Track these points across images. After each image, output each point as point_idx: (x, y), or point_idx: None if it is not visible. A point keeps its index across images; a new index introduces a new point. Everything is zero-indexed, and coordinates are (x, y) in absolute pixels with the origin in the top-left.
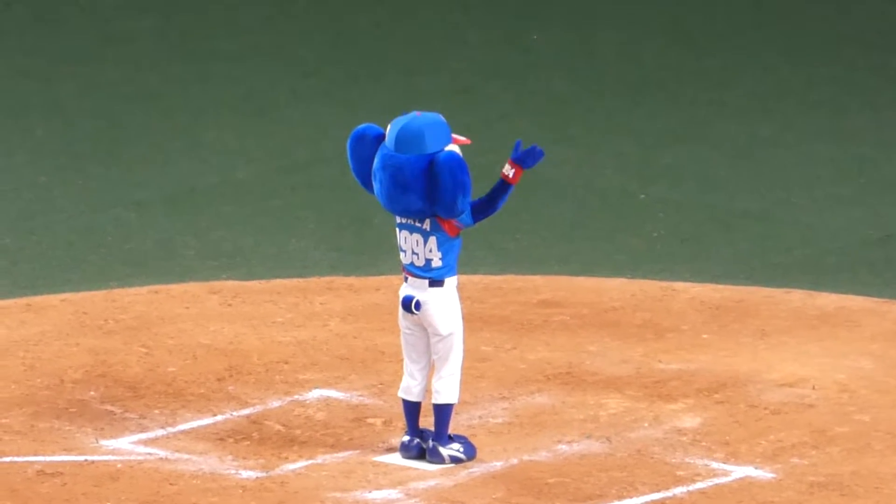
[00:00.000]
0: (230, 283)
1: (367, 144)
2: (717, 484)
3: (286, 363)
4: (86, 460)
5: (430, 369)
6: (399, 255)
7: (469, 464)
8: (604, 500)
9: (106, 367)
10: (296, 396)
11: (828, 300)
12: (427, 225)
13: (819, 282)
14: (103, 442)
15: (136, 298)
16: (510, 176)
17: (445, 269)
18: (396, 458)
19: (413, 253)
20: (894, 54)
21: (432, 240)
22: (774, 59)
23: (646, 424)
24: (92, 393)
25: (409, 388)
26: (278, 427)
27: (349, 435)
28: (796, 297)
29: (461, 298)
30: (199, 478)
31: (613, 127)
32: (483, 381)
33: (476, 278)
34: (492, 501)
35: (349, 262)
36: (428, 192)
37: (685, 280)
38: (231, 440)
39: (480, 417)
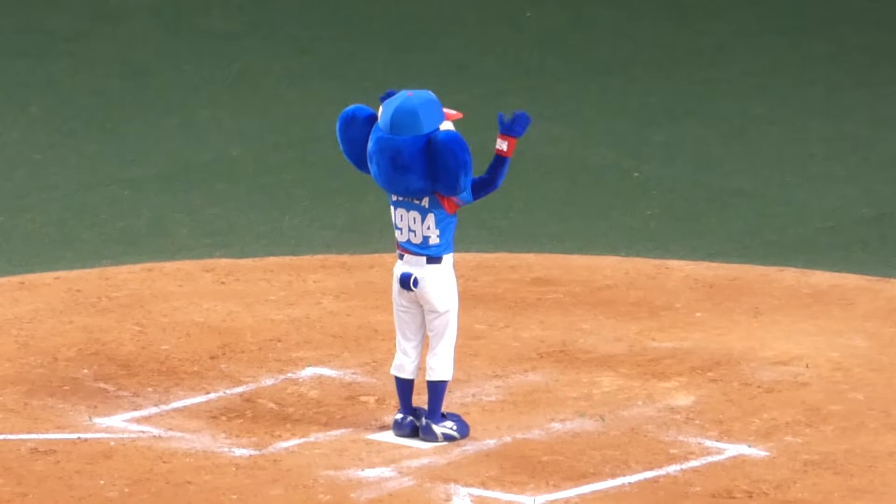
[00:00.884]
0: (223, 260)
1: (358, 126)
2: (710, 462)
3: (279, 341)
4: (79, 438)
5: (423, 347)
6: (395, 233)
7: (462, 442)
8: (597, 478)
9: (99, 345)
10: (289, 374)
11: (822, 278)
12: (426, 202)
13: (813, 260)
14: (96, 420)
15: (130, 276)
16: (504, 149)
17: (443, 245)
18: (389, 436)
19: (410, 230)
20: (888, 32)
21: (430, 217)
22: (769, 37)
23: (639, 402)
24: (85, 371)
25: (402, 365)
26: (271, 405)
27: (342, 413)
28: (790, 276)
29: (455, 276)
30: (193, 456)
31: (607, 105)
32: (476, 359)
33: (469, 256)
34: (485, 479)
35: (343, 239)
36: (428, 171)
37: (679, 258)
38: (224, 418)
39: (474, 395)
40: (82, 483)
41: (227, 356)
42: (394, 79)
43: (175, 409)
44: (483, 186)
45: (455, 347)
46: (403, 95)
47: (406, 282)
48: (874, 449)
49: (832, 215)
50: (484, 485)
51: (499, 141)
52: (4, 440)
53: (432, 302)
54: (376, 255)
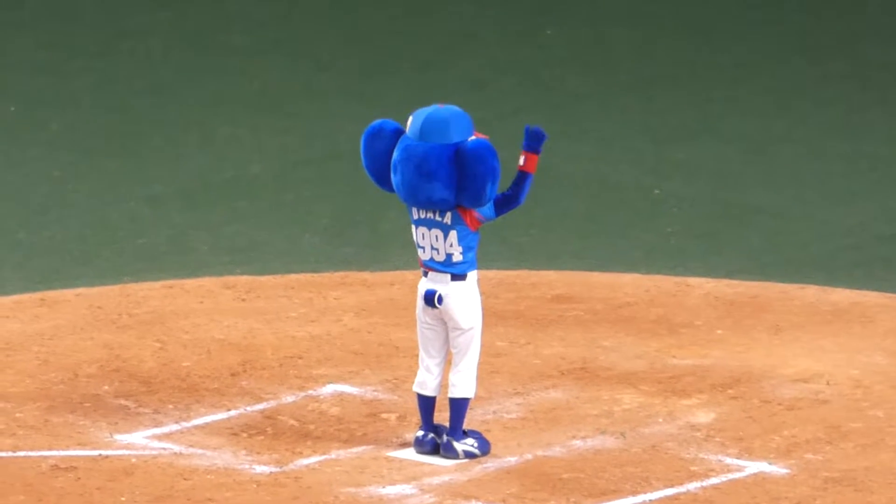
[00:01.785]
0: (244, 277)
1: (384, 139)
2: (730, 479)
3: (300, 358)
4: (100, 455)
5: (445, 364)
6: (417, 252)
7: (483, 459)
8: (618, 496)
9: (120, 362)
10: (310, 391)
11: (842, 296)
12: (448, 219)
13: (833, 277)
14: (117, 436)
15: (150, 293)
16: (522, 164)
17: (467, 263)
18: (410, 454)
19: (433, 248)
20: None
21: (453, 234)
22: (788, 54)
23: (660, 420)
24: (106, 387)
25: (425, 382)
26: (292, 422)
27: (363, 430)
28: (810, 293)
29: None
30: (214, 472)
31: (627, 122)
32: (497, 376)
33: (490, 273)
34: (506, 497)
35: (363, 256)
36: (453, 180)
37: (699, 275)
38: (245, 435)
39: (495, 412)
40: (103, 500)
41: (248, 373)
42: (414, 96)
43: (196, 426)
44: (506, 203)
45: (478, 365)
46: (434, 106)
47: (431, 299)
48: (894, 466)
49: (852, 233)
50: (505, 502)
51: (521, 157)
52: (25, 457)
53: (457, 319)
54: (397, 272)
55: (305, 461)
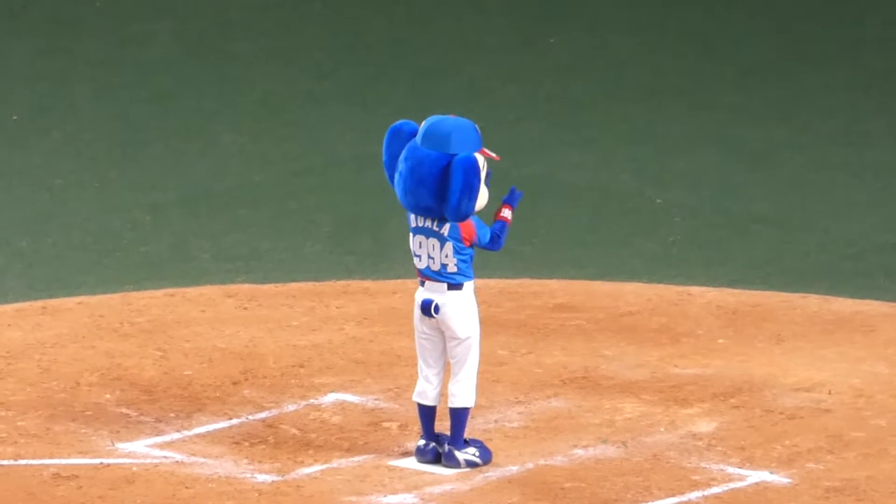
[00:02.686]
0: (246, 286)
1: (401, 139)
2: (732, 489)
3: (302, 367)
4: (101, 463)
5: (445, 373)
6: (413, 260)
7: (485, 468)
8: None
9: (121, 371)
10: (311, 400)
11: (844, 305)
12: (445, 230)
13: (835, 287)
14: (119, 445)
15: (152, 301)
16: (507, 216)
17: (461, 273)
18: (412, 463)
19: (429, 257)
20: None
21: (448, 245)
22: (791, 64)
23: (662, 429)
24: (107, 396)
25: (425, 392)
26: (294, 431)
27: (364, 439)
28: (812, 302)
29: (477, 302)
30: (215, 481)
31: (630, 131)
32: (499, 385)
33: (492, 282)
34: None
35: (365, 265)
36: (440, 190)
37: (701, 284)
38: (247, 444)
39: (496, 421)
40: None
41: (250, 382)
42: (416, 104)
43: (197, 435)
44: (495, 240)
45: (477, 374)
46: (447, 116)
47: (427, 308)
48: None
49: (855, 242)
50: None
51: (504, 210)
52: (27, 465)
53: (453, 328)
54: (399, 280)
55: (307, 470)
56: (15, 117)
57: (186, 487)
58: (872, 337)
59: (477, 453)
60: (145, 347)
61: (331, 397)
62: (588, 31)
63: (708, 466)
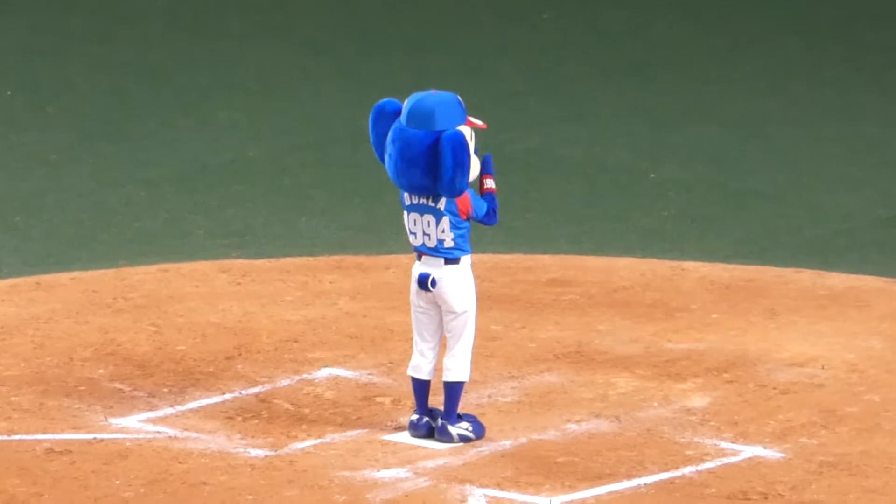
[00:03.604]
0: (240, 261)
1: (385, 119)
2: (726, 463)
3: (295, 342)
4: (95, 438)
5: (440, 348)
6: (408, 238)
7: (478, 442)
8: (613, 479)
9: (115, 346)
10: (305, 375)
11: (838, 280)
12: (441, 205)
13: (829, 261)
14: (112, 420)
15: (146, 277)
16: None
17: (458, 247)
18: (405, 437)
19: (424, 234)
20: None
21: (445, 220)
22: (784, 37)
23: (655, 404)
24: (101, 371)
25: (419, 366)
26: (287, 406)
27: (358, 414)
28: (806, 277)
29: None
30: (208, 456)
31: (623, 106)
32: (492, 360)
33: (485, 257)
34: (501, 480)
35: (359, 240)
36: (432, 169)
37: (695, 259)
38: (240, 419)
39: (490, 396)
40: (98, 483)
41: (243, 357)
42: (410, 80)
43: (191, 410)
44: (492, 215)
45: (472, 348)
46: (427, 92)
47: (424, 282)
48: (890, 450)
49: (848, 217)
50: (499, 486)
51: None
52: (20, 440)
53: (450, 302)
54: (392, 255)
55: (300, 445)
56: (9, 93)
57: (179, 462)
58: (866, 312)
59: (470, 428)
60: (139, 323)
61: (324, 372)
62: (581, 5)
63: (701, 441)
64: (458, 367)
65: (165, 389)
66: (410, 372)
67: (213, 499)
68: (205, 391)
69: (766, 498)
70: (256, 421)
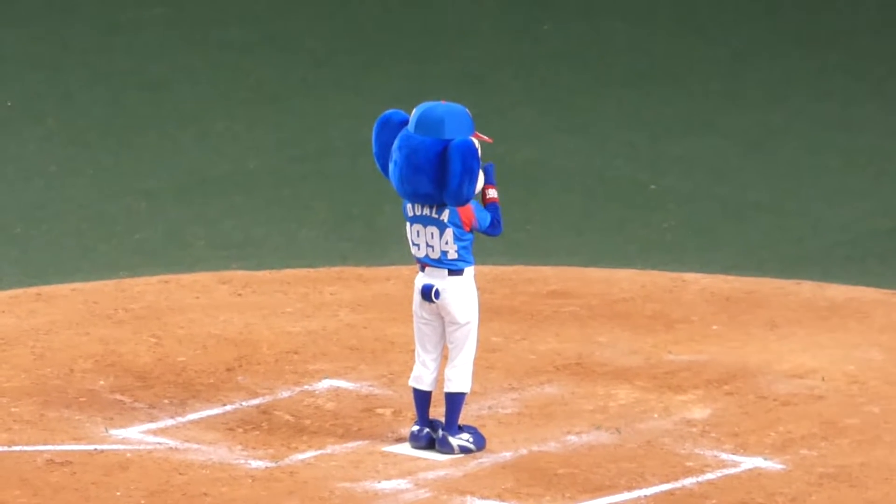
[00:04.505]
0: (240, 272)
1: (390, 129)
2: (726, 475)
3: (296, 353)
4: (95, 449)
5: (441, 359)
6: (411, 249)
7: (478, 454)
8: (613, 491)
9: (116, 357)
10: (305, 386)
11: (838, 291)
12: (445, 216)
13: (829, 273)
14: (113, 431)
15: (146, 288)
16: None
17: (462, 259)
18: (406, 449)
19: (428, 246)
20: None
21: (448, 232)
22: (785, 48)
23: (655, 415)
24: (101, 382)
25: (421, 377)
26: (288, 417)
27: (358, 425)
28: (806, 289)
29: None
30: (209, 467)
31: (623, 117)
32: (493, 371)
33: (486, 269)
34: (501, 492)
35: (359, 252)
36: (439, 176)
37: (695, 271)
38: (240, 430)
39: (490, 408)
40: (98, 495)
41: (244, 368)
42: (410, 91)
43: (191, 421)
44: (496, 225)
45: (474, 359)
46: (437, 102)
47: (428, 293)
48: (890, 462)
49: (849, 228)
50: (500, 497)
51: (490, 190)
52: (21, 451)
53: (454, 314)
54: (393, 267)
55: (301, 456)
56: (9, 104)
57: (180, 473)
58: (866, 323)
59: (471, 439)
60: (139, 334)
61: (325, 383)
62: (582, 16)
63: (702, 453)
64: (459, 378)
65: (166, 401)
66: (412, 383)
67: None
68: (205, 402)
69: None
70: (257, 432)
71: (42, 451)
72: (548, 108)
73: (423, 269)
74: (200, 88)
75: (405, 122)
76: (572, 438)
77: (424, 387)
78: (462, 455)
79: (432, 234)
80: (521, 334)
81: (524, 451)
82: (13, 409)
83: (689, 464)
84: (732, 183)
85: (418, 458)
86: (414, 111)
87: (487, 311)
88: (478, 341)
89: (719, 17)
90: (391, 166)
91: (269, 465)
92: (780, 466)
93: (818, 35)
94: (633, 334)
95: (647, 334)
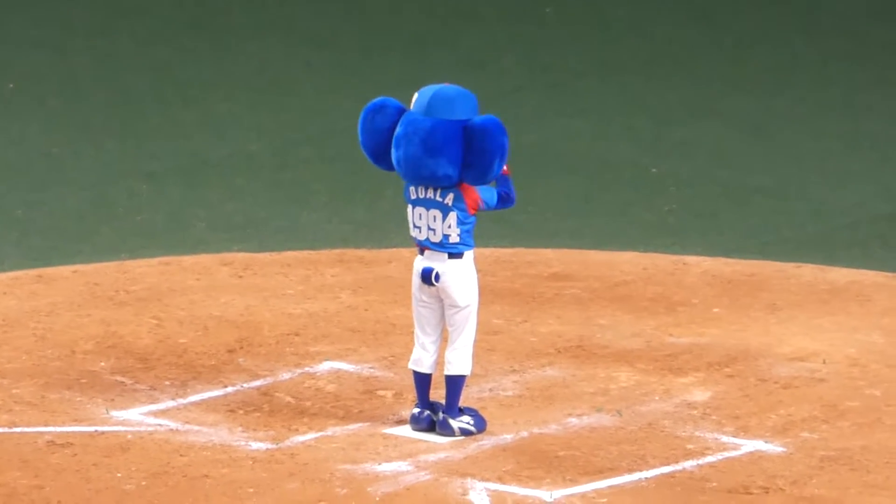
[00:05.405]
0: (241, 255)
1: (386, 115)
2: (727, 458)
3: (297, 335)
4: (96, 431)
5: (441, 342)
6: (412, 232)
7: (479, 436)
8: (614, 473)
9: (117, 339)
10: (306, 368)
11: (839, 275)
12: (449, 199)
13: (831, 256)
14: (114, 413)
15: (148, 270)
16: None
17: (463, 242)
18: (406, 431)
19: (430, 229)
20: None
21: (452, 215)
22: (788, 34)
23: (656, 398)
24: (103, 364)
25: (421, 359)
26: (288, 399)
27: (359, 407)
28: (808, 272)
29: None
30: (210, 449)
31: (626, 101)
32: (494, 354)
33: (487, 251)
34: (502, 474)
35: (360, 234)
36: (458, 156)
37: (697, 254)
38: (241, 412)
39: (491, 390)
40: (99, 476)
41: (245, 350)
42: (412, 74)
43: (192, 403)
44: (505, 199)
45: (474, 342)
46: (440, 84)
47: (428, 276)
48: (891, 445)
49: (850, 212)
50: (500, 479)
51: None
52: (22, 433)
53: (453, 296)
54: (394, 249)
55: (301, 438)
56: (12, 85)
57: (181, 455)
58: (868, 306)
59: (471, 421)
60: (141, 316)
61: (326, 365)
62: (584, 1)
63: (702, 435)
64: (459, 361)
65: (167, 382)
66: (412, 365)
67: (214, 491)
68: (206, 384)
69: (766, 492)
70: (258, 414)
71: (43, 433)
72: (550, 92)
73: (422, 252)
74: (202, 71)
75: (400, 109)
76: (573, 421)
77: (424, 369)
78: (463, 437)
79: (434, 217)
80: (522, 317)
81: (525, 434)
82: (14, 391)
83: (689, 446)
84: (734, 167)
85: (419, 441)
86: (417, 95)
87: (489, 294)
88: (478, 324)
89: (722, 2)
90: (396, 153)
91: (270, 446)
92: (780, 449)
93: (821, 21)
94: (634, 317)
95: (648, 317)
